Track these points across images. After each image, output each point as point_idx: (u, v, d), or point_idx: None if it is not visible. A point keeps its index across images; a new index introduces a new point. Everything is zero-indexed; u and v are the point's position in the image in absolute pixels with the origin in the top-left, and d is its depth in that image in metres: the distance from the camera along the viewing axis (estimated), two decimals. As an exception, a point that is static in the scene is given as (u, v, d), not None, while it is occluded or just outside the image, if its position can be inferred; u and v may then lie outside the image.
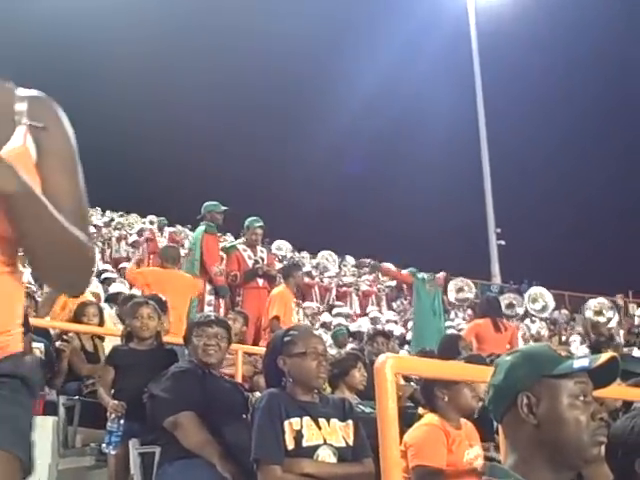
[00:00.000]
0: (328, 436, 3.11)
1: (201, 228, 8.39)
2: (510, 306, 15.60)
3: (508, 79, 27.94)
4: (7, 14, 28.03)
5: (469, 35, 25.79)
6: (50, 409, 5.07)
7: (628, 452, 2.17)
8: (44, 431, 4.76)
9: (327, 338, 10.78)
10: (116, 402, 4.27)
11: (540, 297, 16.16)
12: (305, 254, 18.40)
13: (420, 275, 9.78)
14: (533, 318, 16.35)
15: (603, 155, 28.45)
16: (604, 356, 1.79)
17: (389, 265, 17.02)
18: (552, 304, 16.17)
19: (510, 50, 27.39)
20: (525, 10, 26.75)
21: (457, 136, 26.97)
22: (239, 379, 5.22)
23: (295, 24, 29.41)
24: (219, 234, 10.56)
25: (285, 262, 13.77)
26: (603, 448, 1.79)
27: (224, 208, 8.60)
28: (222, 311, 7.76)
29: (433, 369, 2.62)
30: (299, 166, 28.56)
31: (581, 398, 1.75)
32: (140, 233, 15.69)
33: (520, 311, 15.83)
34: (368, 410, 3.99)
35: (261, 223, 8.66)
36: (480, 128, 24.91)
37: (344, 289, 15.51)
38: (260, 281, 8.27)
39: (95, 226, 16.57)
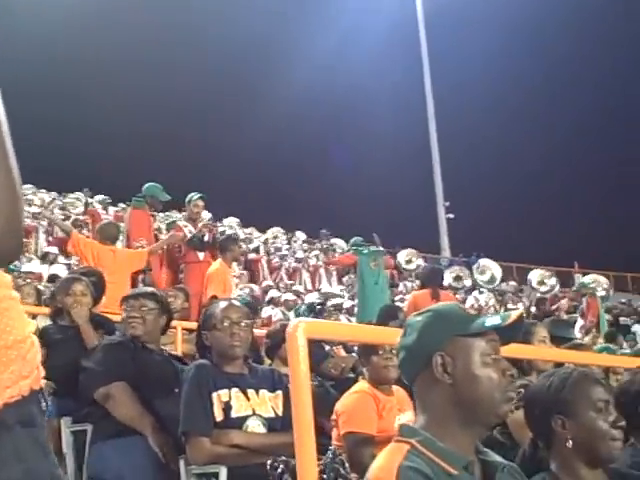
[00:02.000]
0: (257, 407, 3.10)
1: (128, 203, 8.28)
2: (457, 279, 15.80)
3: (455, 48, 28.08)
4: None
5: (415, 5, 25.81)
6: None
7: (545, 410, 2.19)
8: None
9: (276, 313, 10.78)
10: (47, 381, 4.18)
11: (487, 269, 16.36)
12: (253, 230, 18.33)
13: (365, 251, 9.72)
14: (481, 289, 16.59)
15: (551, 125, 28.86)
16: (514, 314, 1.79)
17: (337, 241, 17.06)
18: (499, 275, 16.40)
19: (457, 19, 27.50)
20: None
21: (405, 109, 27.04)
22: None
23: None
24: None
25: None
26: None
27: (167, 197, 8.45)
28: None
29: (345, 333, 2.60)
30: (247, 146, 28.37)
31: (493, 356, 1.75)
32: (84, 212, 15.43)
33: (467, 283, 16.04)
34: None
35: (201, 195, 8.53)
36: (427, 101, 25.03)
37: (294, 265, 15.52)
38: (201, 255, 8.10)
39: (39, 206, 16.24)
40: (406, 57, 27.10)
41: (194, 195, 8.51)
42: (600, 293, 12.29)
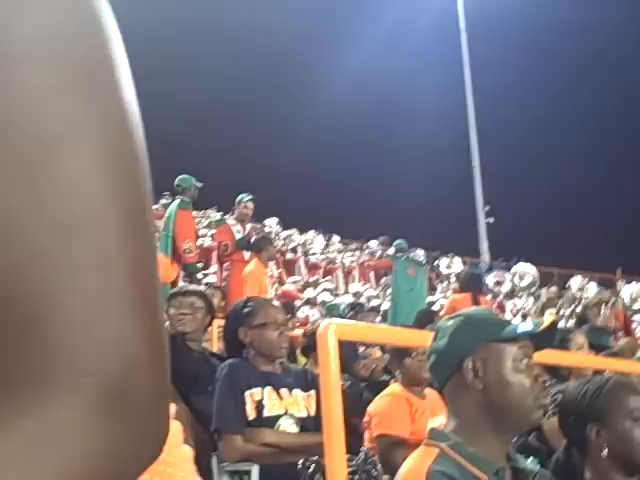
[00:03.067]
0: (290, 406, 3.11)
1: (175, 203, 8.27)
2: (498, 283, 15.64)
3: (496, 52, 27.83)
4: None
5: (457, 10, 25.67)
6: None
7: (580, 417, 2.16)
8: None
9: (313, 313, 10.79)
10: None
11: (526, 274, 16.18)
12: (293, 231, 18.40)
13: (403, 257, 9.68)
14: (520, 294, 16.39)
15: (595, 128, 28.45)
16: (547, 320, 1.77)
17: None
18: (538, 280, 16.21)
19: (498, 25, 27.25)
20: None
21: (445, 112, 26.86)
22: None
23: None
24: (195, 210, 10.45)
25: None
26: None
27: (199, 184, 8.45)
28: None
29: (376, 335, 2.59)
30: (291, 144, 28.48)
31: (525, 362, 1.74)
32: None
33: (508, 288, 15.87)
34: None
35: (251, 197, 8.60)
36: (468, 103, 24.83)
37: (330, 266, 15.54)
38: (247, 255, 8.18)
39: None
40: (447, 60, 26.92)
41: (245, 196, 8.57)
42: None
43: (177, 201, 8.23)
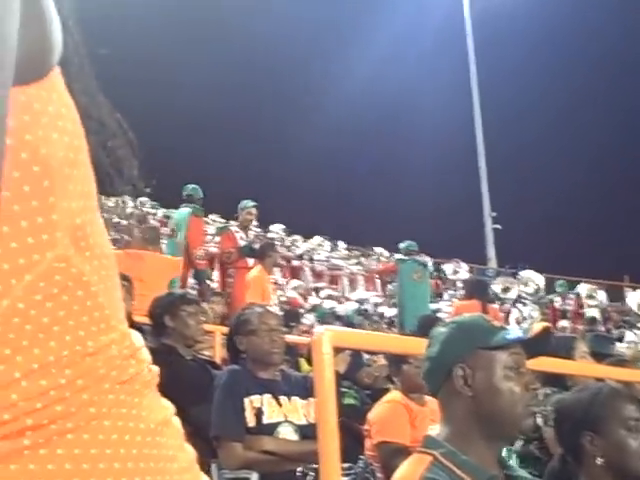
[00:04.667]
0: (289, 413, 3.11)
1: (187, 210, 8.30)
2: (505, 290, 15.60)
3: (503, 57, 27.79)
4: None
5: (463, 14, 25.65)
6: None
7: (575, 426, 2.16)
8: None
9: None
10: None
11: (531, 280, 16.15)
12: (297, 237, 18.40)
13: (410, 260, 9.64)
14: (525, 301, 16.34)
15: (601, 135, 28.36)
16: (537, 327, 1.78)
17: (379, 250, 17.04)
18: (543, 287, 16.18)
19: (505, 29, 27.23)
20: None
21: (451, 118, 26.83)
22: (218, 361, 5.19)
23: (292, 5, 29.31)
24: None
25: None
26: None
27: (252, 204, 8.53)
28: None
29: (371, 343, 2.59)
30: (294, 151, 28.50)
31: (515, 369, 1.73)
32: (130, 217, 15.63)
33: (514, 295, 15.82)
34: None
35: (255, 204, 8.63)
36: (474, 111, 24.80)
37: (336, 272, 15.55)
38: (251, 261, 8.20)
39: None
40: (454, 65, 26.92)
41: (248, 202, 8.60)
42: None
43: (188, 209, 8.25)
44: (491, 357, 1.73)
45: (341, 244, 18.78)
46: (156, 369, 0.63)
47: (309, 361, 4.90)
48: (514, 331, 1.79)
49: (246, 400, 3.06)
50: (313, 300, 11.89)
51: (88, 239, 0.48)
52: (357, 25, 30.75)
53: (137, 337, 0.59)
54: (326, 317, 9.17)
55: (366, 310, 9.22)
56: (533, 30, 28.04)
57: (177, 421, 0.64)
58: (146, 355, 0.61)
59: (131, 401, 0.55)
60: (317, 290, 13.46)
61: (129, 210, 16.89)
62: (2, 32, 0.40)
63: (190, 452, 0.62)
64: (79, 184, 0.48)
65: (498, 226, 24.61)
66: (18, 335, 0.44)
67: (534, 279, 15.95)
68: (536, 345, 1.78)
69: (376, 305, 12.73)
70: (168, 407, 0.64)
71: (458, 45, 25.67)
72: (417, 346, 2.21)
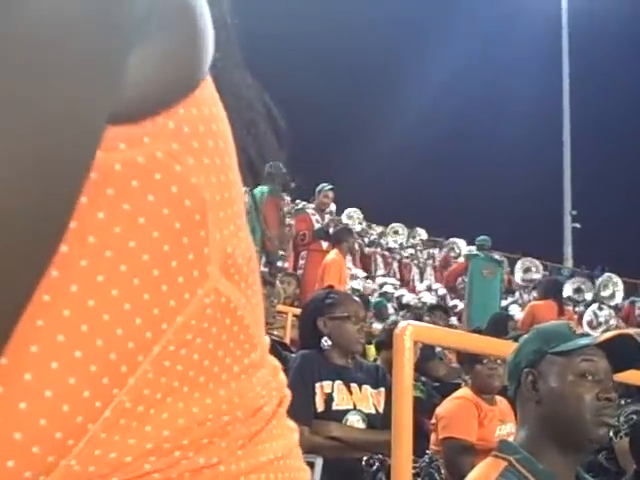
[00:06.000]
0: (358, 402, 3.11)
1: (264, 188, 8.31)
2: (578, 290, 15.25)
3: (596, 61, 27.02)
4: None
5: (560, 18, 25.03)
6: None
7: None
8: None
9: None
10: None
11: (611, 284, 15.71)
12: (373, 224, 18.33)
13: (480, 256, 9.52)
14: (601, 305, 15.91)
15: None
16: (609, 333, 1.72)
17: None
18: (622, 292, 15.71)
19: (601, 35, 26.45)
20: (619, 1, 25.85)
21: (539, 113, 26.30)
22: (287, 341, 5.25)
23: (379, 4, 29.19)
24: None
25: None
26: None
27: (329, 187, 8.55)
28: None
29: (452, 340, 2.58)
30: (378, 138, 28.46)
31: (588, 377, 1.68)
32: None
33: (588, 297, 15.44)
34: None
35: (331, 187, 8.65)
36: (564, 106, 24.23)
37: (406, 261, 15.46)
38: (324, 244, 8.25)
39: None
40: (545, 64, 26.34)
41: (325, 186, 8.62)
42: None
43: (266, 187, 8.28)
44: (561, 363, 1.71)
45: (421, 231, 18.59)
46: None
47: (377, 348, 4.91)
48: (586, 337, 1.75)
49: (317, 385, 3.08)
50: (387, 288, 11.86)
51: (236, 261, 0.45)
52: (444, 24, 30.36)
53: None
54: (382, 309, 9.08)
55: (438, 305, 9.11)
56: (635, 32, 27.12)
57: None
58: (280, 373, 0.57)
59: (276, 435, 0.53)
60: (385, 277, 13.45)
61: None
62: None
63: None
64: (230, 207, 0.45)
65: (577, 225, 24.05)
66: (169, 378, 0.42)
67: (614, 282, 15.51)
68: (621, 354, 1.72)
69: (442, 297, 12.63)
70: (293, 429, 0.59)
71: (552, 44, 25.09)
72: (496, 347, 2.19)
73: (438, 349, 5.33)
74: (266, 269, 7.57)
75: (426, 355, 4.93)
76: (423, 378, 4.98)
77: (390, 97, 29.15)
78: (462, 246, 16.49)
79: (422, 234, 18.96)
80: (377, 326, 7.01)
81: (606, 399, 1.65)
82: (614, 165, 27.64)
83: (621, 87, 27.51)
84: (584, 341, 1.70)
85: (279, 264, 8.37)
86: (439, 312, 7.37)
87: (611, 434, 3.61)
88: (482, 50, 29.96)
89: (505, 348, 2.02)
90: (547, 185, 24.68)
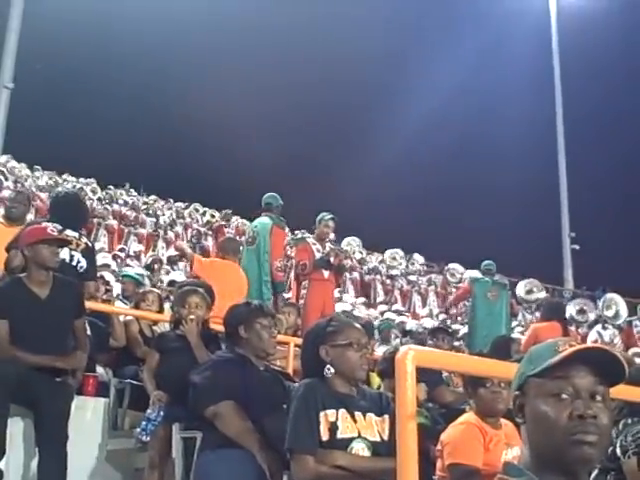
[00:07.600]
0: (363, 430, 3.09)
1: (268, 220, 8.31)
2: (581, 312, 15.19)
3: (589, 78, 27.22)
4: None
5: (550, 34, 25.26)
6: (103, 391, 5.22)
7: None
8: (96, 412, 4.92)
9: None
10: (160, 392, 4.37)
11: (613, 304, 15.65)
12: (371, 251, 18.36)
13: (484, 279, 9.57)
14: (605, 325, 15.84)
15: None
16: (570, 350, 1.67)
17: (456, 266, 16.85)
18: (625, 311, 15.63)
19: (592, 50, 26.67)
20: (609, 10, 26.10)
21: (534, 136, 26.46)
22: (290, 372, 5.22)
23: (373, 17, 29.48)
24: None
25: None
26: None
27: (330, 216, 8.57)
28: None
29: (455, 363, 2.56)
30: (372, 164, 28.57)
31: (562, 396, 1.65)
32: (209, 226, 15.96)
33: (591, 317, 15.39)
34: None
35: (332, 216, 8.67)
36: (557, 127, 24.40)
37: (407, 288, 15.45)
38: (326, 273, 8.26)
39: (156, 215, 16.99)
40: (537, 82, 26.55)
41: (326, 215, 8.65)
42: None
43: (269, 219, 8.27)
44: (536, 384, 1.69)
45: (417, 257, 18.63)
46: None
47: (380, 375, 4.88)
48: (558, 355, 1.71)
49: (321, 414, 3.05)
50: (388, 315, 11.85)
51: None
52: (441, 40, 30.65)
53: None
54: (384, 330, 9.14)
55: (440, 329, 9.13)
56: (625, 50, 27.37)
57: None
58: None
59: None
60: (385, 304, 13.44)
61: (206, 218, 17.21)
62: None
63: None
64: None
65: (576, 246, 24.06)
66: None
67: (617, 302, 15.45)
68: (605, 369, 1.68)
69: (443, 322, 12.61)
70: None
71: (543, 62, 25.32)
72: (500, 370, 2.18)
73: (445, 374, 5.31)
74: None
75: (433, 382, 4.90)
76: (430, 404, 4.94)
77: (385, 120, 29.28)
78: (461, 271, 16.51)
79: (419, 259, 18.98)
80: (383, 349, 7.02)
81: (578, 416, 1.61)
82: (610, 185, 27.74)
83: (616, 108, 27.69)
84: (554, 359, 1.68)
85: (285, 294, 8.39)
86: (442, 334, 7.33)
87: (619, 453, 3.57)
88: (473, 74, 30.18)
89: (508, 370, 2.01)
90: (545, 208, 24.75)
